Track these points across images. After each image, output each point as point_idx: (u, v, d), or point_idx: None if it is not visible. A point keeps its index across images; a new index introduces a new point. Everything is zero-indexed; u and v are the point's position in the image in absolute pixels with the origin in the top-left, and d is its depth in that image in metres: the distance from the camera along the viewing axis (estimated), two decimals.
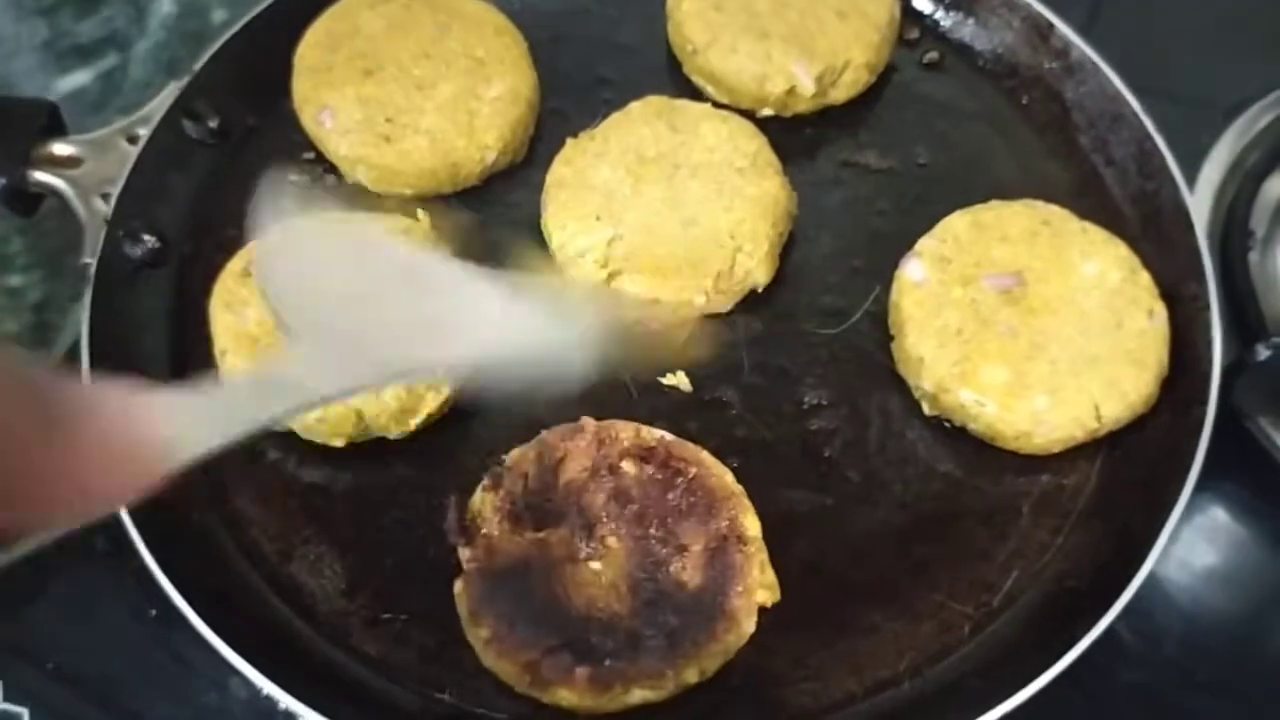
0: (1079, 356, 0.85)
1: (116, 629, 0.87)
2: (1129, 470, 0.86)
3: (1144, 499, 0.83)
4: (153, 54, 1.12)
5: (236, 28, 0.98)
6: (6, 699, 0.85)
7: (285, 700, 0.73)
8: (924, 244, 0.91)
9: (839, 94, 1.01)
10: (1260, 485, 0.95)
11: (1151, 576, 0.78)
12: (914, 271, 0.89)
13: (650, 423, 0.85)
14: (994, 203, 0.93)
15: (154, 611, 0.86)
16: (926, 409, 0.89)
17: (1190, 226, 0.91)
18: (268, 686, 0.74)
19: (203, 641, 0.75)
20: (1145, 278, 0.89)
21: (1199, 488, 0.81)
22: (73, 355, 0.85)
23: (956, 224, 0.91)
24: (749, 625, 0.76)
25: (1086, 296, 0.88)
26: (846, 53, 0.99)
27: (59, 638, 0.87)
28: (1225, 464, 0.83)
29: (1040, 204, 0.92)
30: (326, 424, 0.83)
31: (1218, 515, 0.95)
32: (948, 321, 0.87)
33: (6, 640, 0.87)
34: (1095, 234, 0.91)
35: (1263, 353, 0.89)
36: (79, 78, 1.11)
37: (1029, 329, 0.86)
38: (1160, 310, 0.88)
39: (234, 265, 0.88)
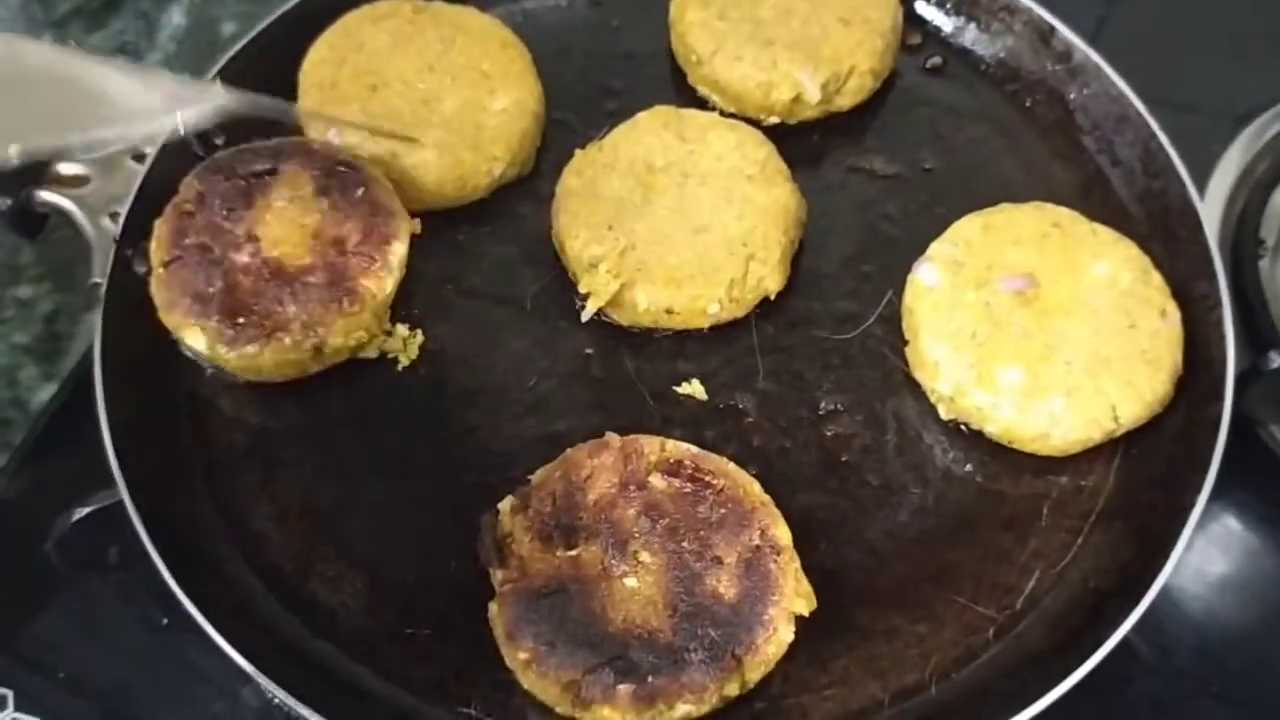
0: (1094, 357, 0.85)
1: (127, 639, 0.87)
2: (1148, 469, 0.86)
3: (1164, 497, 0.84)
4: (164, 66, 1.12)
5: (241, 44, 0.98)
6: (18, 709, 0.84)
7: (307, 714, 0.73)
8: (935, 248, 0.91)
9: (844, 100, 1.01)
10: (1272, 494, 0.95)
11: (1165, 586, 0.78)
12: (926, 275, 0.90)
13: (667, 432, 0.85)
14: (1004, 205, 0.93)
15: (165, 621, 0.86)
16: (943, 413, 0.89)
17: (1199, 225, 0.91)
18: (287, 699, 0.73)
19: (214, 651, 0.75)
20: (1157, 278, 0.89)
21: (1212, 497, 0.81)
22: (85, 367, 0.84)
23: (967, 227, 0.91)
24: (787, 635, 0.76)
25: (1099, 297, 0.88)
26: (851, 59, 0.99)
27: (70, 648, 0.87)
28: (1238, 473, 0.83)
29: (1050, 206, 0.93)
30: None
31: (1230, 524, 0.95)
32: (962, 325, 0.87)
33: (18, 651, 0.86)
34: (1105, 235, 0.91)
35: (1275, 360, 0.89)
36: None
37: (1043, 331, 0.86)
38: (1173, 310, 0.88)
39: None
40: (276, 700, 0.74)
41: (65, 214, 0.92)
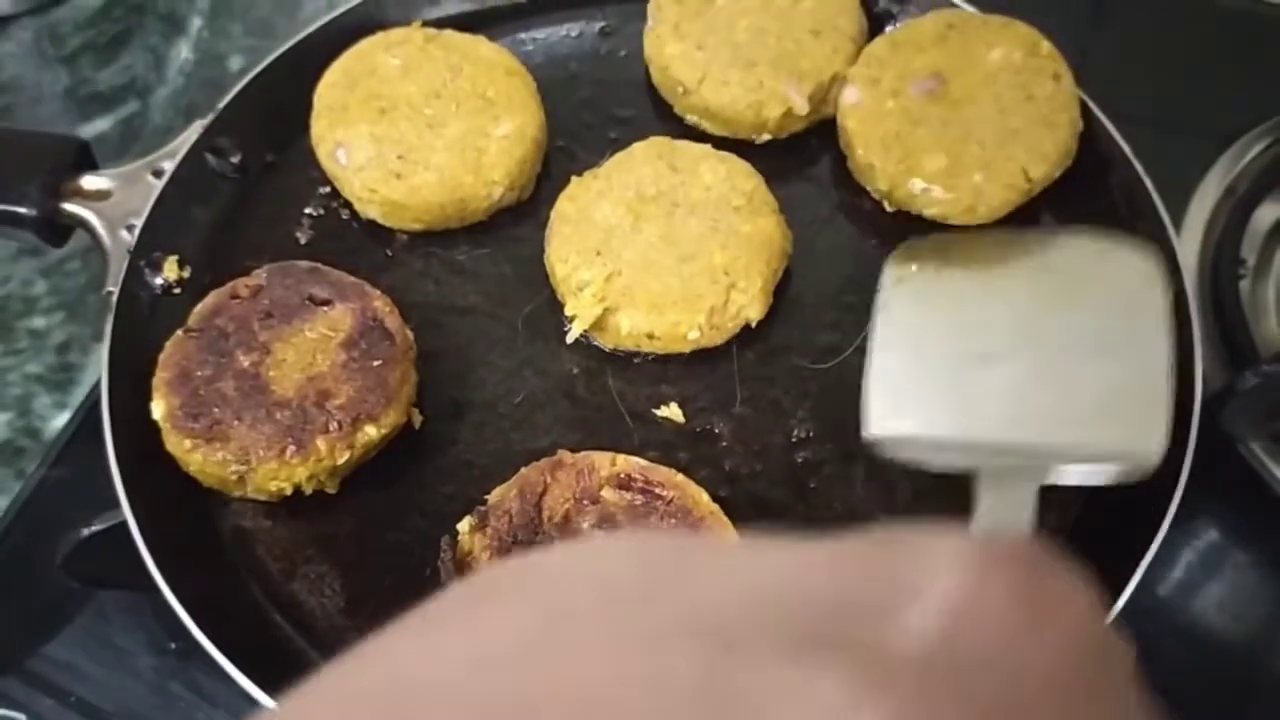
0: (1002, 132, 0.95)
1: (137, 662, 0.90)
2: (1112, 495, 0.87)
3: (1129, 524, 0.84)
4: (172, 100, 1.18)
5: (259, 69, 1.03)
6: None
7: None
8: (853, 71, 1.01)
9: (830, 108, 1.04)
10: (1253, 508, 0.96)
11: (1151, 601, 0.78)
12: (849, 96, 1.00)
13: (644, 452, 0.88)
14: (906, 21, 1.05)
15: (174, 645, 0.89)
16: (887, 207, 0.99)
17: (1177, 267, 0.92)
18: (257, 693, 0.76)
19: (221, 674, 0.77)
20: (1046, 47, 0.98)
21: (1195, 512, 0.82)
22: (96, 396, 0.88)
23: (877, 48, 1.02)
24: None
25: (998, 79, 0.97)
26: (830, 68, 1.02)
27: (81, 671, 0.89)
28: (1220, 489, 0.84)
29: (945, 10, 1.03)
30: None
31: (1214, 539, 0.96)
32: (886, 129, 0.97)
33: (28, 674, 0.90)
34: (995, 21, 1.01)
35: (1250, 380, 0.91)
36: (100, 124, 1.17)
37: (957, 119, 0.96)
38: (1065, 73, 0.97)
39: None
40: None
41: (87, 225, 0.97)
